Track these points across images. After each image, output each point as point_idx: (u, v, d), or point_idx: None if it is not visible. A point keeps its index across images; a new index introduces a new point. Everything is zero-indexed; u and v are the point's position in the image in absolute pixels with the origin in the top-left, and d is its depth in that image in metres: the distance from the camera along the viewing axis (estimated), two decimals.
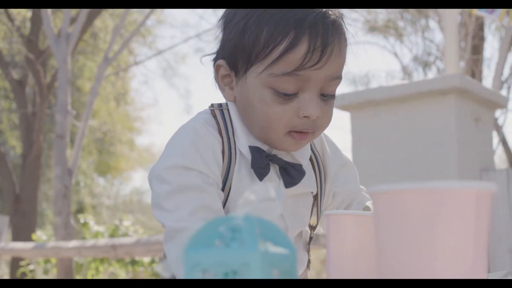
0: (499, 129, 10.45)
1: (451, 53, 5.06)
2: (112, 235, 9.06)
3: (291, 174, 1.37)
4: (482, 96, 4.75)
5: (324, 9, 1.29)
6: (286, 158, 1.39)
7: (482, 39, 12.13)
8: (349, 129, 4.89)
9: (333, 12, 1.30)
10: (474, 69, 10.54)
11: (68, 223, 8.30)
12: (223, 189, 1.35)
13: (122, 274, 9.47)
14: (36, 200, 14.34)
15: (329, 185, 1.51)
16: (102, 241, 7.50)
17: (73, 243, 7.82)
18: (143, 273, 9.23)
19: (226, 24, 1.36)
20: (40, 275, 10.23)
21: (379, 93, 4.73)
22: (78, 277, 8.85)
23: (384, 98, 4.68)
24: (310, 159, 1.49)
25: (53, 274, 9.70)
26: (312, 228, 1.54)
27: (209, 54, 1.44)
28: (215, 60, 1.41)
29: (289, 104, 1.29)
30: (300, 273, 1.49)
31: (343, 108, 4.82)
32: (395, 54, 14.91)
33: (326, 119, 1.34)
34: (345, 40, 1.33)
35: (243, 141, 1.36)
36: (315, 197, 1.50)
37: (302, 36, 1.25)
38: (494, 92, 5.08)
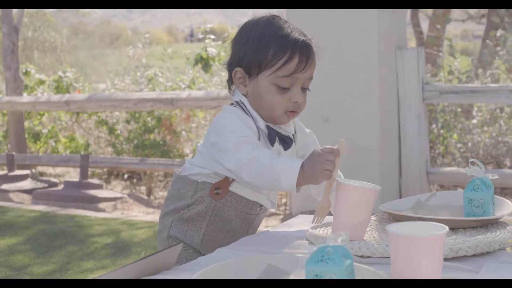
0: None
1: None
2: (57, 87, 9.61)
3: (287, 142, 2.08)
4: None
5: (305, 37, 2.02)
6: (283, 132, 2.09)
7: None
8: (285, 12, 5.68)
9: (309, 38, 2.03)
10: None
11: (17, 76, 8.86)
12: None
13: (66, 119, 10.08)
14: None
15: (300, 141, 2.22)
16: (56, 97, 8.01)
17: (27, 98, 8.35)
18: (85, 120, 9.88)
19: (242, 45, 2.05)
20: None
21: None
22: (26, 123, 9.46)
23: None
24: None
25: (1, 120, 10.31)
26: None
27: (225, 63, 2.14)
28: (230, 66, 2.09)
29: (285, 95, 2.00)
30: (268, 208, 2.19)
31: None
32: None
33: (304, 103, 2.08)
34: (315, 55, 2.06)
35: (261, 123, 2.04)
36: None
37: (295, 54, 1.98)
38: None
